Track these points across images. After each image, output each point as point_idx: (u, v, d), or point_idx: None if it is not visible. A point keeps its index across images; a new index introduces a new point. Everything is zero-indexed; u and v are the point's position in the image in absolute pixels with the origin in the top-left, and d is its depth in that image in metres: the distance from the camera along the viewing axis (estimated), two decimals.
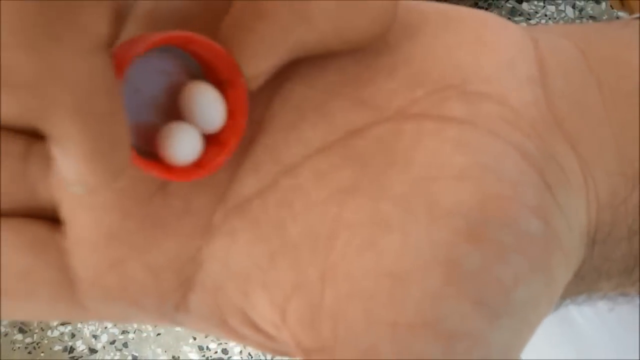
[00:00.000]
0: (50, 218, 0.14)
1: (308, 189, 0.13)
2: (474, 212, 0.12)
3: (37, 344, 1.11)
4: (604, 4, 0.97)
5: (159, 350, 1.08)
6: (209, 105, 0.13)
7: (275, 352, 0.14)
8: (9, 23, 0.10)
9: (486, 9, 1.04)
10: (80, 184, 0.11)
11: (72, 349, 1.10)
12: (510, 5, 1.04)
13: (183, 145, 0.13)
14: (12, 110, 0.11)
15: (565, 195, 0.13)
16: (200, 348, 1.07)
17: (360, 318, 0.12)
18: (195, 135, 0.13)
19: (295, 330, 0.13)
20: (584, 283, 0.15)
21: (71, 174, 0.11)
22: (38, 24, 0.10)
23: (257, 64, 0.13)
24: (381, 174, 0.13)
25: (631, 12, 0.52)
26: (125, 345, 1.09)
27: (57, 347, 1.10)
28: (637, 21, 0.16)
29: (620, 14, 0.91)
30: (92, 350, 1.09)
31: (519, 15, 1.03)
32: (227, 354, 1.07)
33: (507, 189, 0.12)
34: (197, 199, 0.14)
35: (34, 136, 0.14)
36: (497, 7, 1.04)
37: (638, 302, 0.18)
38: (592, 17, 1.02)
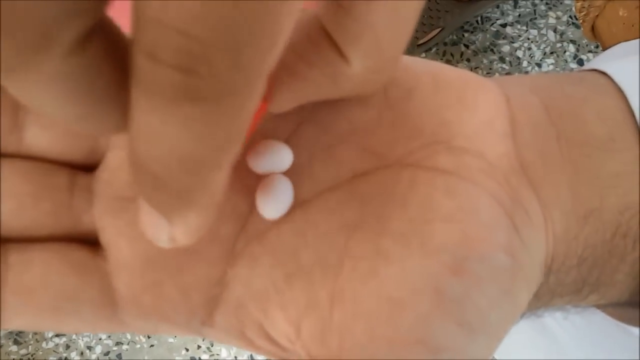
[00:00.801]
0: (91, 242, 0.16)
1: (318, 222, 0.15)
2: (458, 249, 0.14)
3: (32, 356, 1.10)
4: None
5: None
6: None
7: None
8: None
9: (472, 32, 1.07)
10: (171, 243, 0.12)
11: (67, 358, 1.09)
12: (495, 29, 1.06)
13: None
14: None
15: (529, 234, 0.15)
16: (193, 359, 1.08)
17: (364, 334, 0.14)
18: None
19: (308, 344, 0.15)
20: (540, 301, 0.17)
21: (161, 235, 0.11)
22: None
23: (282, 104, 0.14)
24: (382, 213, 0.15)
25: (602, 43, 0.55)
26: (119, 356, 1.09)
27: (52, 359, 1.10)
28: (592, 75, 0.18)
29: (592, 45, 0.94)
30: None
31: (503, 38, 1.06)
32: None
33: (484, 231, 0.14)
34: (223, 228, 0.16)
35: (76, 169, 0.16)
36: (483, 31, 1.07)
37: (591, 312, 0.21)
38: (572, 41, 1.04)
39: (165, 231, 0.11)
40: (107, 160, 0.16)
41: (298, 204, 0.16)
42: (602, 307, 0.21)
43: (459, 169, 0.15)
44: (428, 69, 0.17)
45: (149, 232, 0.12)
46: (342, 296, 0.14)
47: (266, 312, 0.15)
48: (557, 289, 0.17)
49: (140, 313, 0.15)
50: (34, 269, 0.15)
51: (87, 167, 0.16)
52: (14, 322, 0.15)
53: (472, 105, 0.16)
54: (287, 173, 0.16)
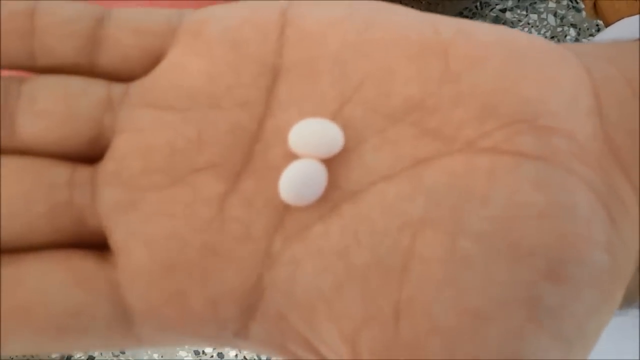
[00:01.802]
0: (98, 246, 0.14)
1: (374, 218, 0.13)
2: (553, 252, 0.12)
3: (33, 355, 1.10)
4: (584, 12, 0.99)
5: (155, 355, 1.08)
6: None
7: None
8: None
9: (471, 17, 1.06)
10: None
11: (69, 356, 1.09)
12: (494, 15, 1.06)
13: None
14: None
15: (626, 227, 0.13)
16: (197, 353, 1.07)
17: (441, 353, 0.12)
18: None
19: None
20: (628, 300, 0.15)
21: None
22: None
23: None
24: (456, 209, 0.13)
25: (605, 21, 0.54)
26: (122, 351, 1.09)
27: (55, 356, 1.10)
28: None
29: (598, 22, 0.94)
30: (90, 357, 1.08)
31: (503, 23, 1.05)
32: (222, 357, 1.07)
33: (582, 227, 0.12)
34: (256, 224, 0.13)
35: (77, 160, 0.14)
36: (482, 17, 1.06)
37: None
38: (572, 25, 1.04)
39: None
40: (113, 147, 0.14)
41: (347, 196, 0.13)
42: None
43: (547, 153, 0.13)
44: (497, 35, 0.14)
45: None
46: (411, 308, 0.12)
47: (313, 324, 0.13)
48: None
49: (160, 327, 0.13)
50: (29, 283, 0.13)
51: (90, 159, 0.14)
52: (13, 347, 0.13)
53: (553, 78, 0.14)
54: (332, 159, 0.14)
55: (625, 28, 0.30)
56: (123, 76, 0.15)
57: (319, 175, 0.13)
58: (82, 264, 0.13)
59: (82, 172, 0.14)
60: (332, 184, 0.13)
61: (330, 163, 0.14)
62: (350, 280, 0.13)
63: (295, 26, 0.15)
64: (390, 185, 0.13)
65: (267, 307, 0.13)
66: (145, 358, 1.08)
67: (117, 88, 0.14)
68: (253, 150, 0.14)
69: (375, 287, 0.13)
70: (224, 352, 1.07)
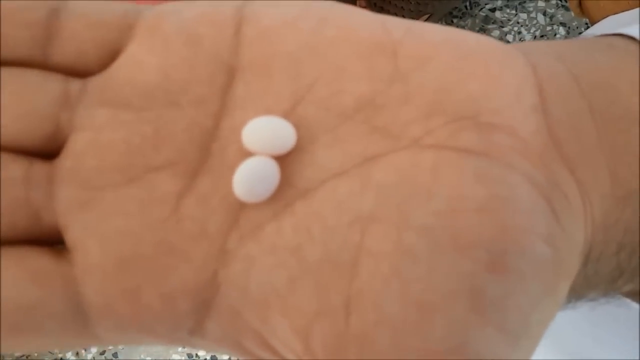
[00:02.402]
0: (53, 242, 0.14)
1: (325, 215, 0.13)
2: (495, 244, 0.12)
3: (27, 356, 1.07)
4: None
5: (148, 358, 1.07)
6: None
7: None
8: None
9: (460, 17, 1.07)
10: None
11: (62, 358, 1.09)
12: (484, 14, 1.06)
13: None
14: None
15: (569, 220, 0.14)
16: (190, 356, 1.06)
17: (388, 345, 0.12)
18: None
19: (319, 356, 0.13)
20: (575, 293, 0.15)
21: None
22: None
23: None
24: (402, 204, 0.13)
25: (590, 19, 0.54)
26: (115, 355, 1.08)
27: (47, 359, 1.09)
28: (621, 41, 0.17)
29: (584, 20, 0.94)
30: None
31: (492, 23, 1.05)
32: None
33: (523, 219, 0.13)
34: (212, 222, 0.14)
35: (33, 156, 0.14)
36: (472, 16, 1.06)
37: (618, 302, 0.20)
38: (562, 24, 1.04)
39: None
40: (70, 143, 0.14)
41: (300, 194, 0.14)
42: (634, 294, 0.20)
43: (489, 149, 0.13)
44: (444, 35, 0.15)
45: None
46: (361, 301, 0.13)
47: (266, 320, 0.13)
48: (593, 280, 0.15)
49: (115, 325, 0.13)
50: None
51: (47, 155, 0.14)
52: None
53: (498, 76, 0.14)
54: (286, 157, 0.14)
55: (609, 26, 0.30)
56: (79, 71, 0.14)
57: (271, 172, 0.13)
58: (38, 260, 0.13)
59: (39, 169, 0.14)
60: (286, 182, 0.14)
61: (284, 161, 0.14)
62: (304, 276, 0.13)
63: (252, 24, 0.15)
64: (341, 182, 0.13)
65: (222, 303, 0.13)
66: (137, 359, 1.08)
67: (74, 84, 0.14)
68: (210, 149, 0.14)
69: (327, 282, 0.13)
70: (217, 355, 1.07)
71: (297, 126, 0.14)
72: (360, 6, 0.90)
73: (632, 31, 0.16)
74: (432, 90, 0.14)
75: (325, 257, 0.13)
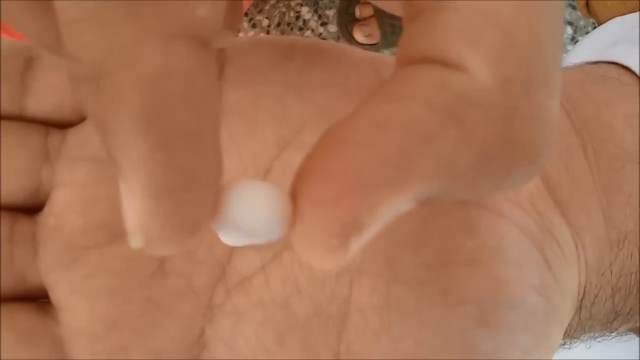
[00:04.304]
0: (39, 297, 0.14)
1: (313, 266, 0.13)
2: (485, 297, 0.12)
3: None
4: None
5: None
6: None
7: None
8: None
9: None
10: (140, 232, 0.08)
11: None
12: None
13: None
14: (77, 98, 0.11)
15: (560, 267, 0.13)
16: None
17: None
18: None
19: None
20: (567, 336, 0.15)
21: (131, 215, 0.08)
22: None
23: None
24: (391, 255, 0.13)
25: (597, 19, 0.53)
26: None
27: None
28: (615, 71, 0.16)
29: (591, 20, 0.93)
30: None
31: None
32: None
33: (514, 271, 0.13)
34: (198, 277, 0.13)
35: (17, 212, 0.14)
36: None
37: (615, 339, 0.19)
38: (569, 23, 1.03)
39: (134, 210, 0.08)
40: (52, 201, 0.14)
41: (287, 245, 0.13)
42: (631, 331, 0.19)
43: (480, 199, 0.13)
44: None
45: (125, 215, 0.08)
46: (350, 356, 0.12)
47: None
48: (587, 323, 0.15)
49: None
50: None
51: (29, 210, 0.14)
52: None
53: None
54: None
55: (615, 26, 0.29)
56: (57, 122, 0.14)
57: (273, 199, 0.12)
58: (26, 320, 0.13)
59: (23, 226, 0.13)
60: None
61: None
62: (292, 332, 0.13)
63: (236, 65, 0.14)
64: None
65: (210, 359, 0.13)
66: None
67: (54, 137, 0.14)
68: None
69: (316, 337, 0.13)
70: None
71: (284, 173, 0.13)
72: (364, 2, 0.88)
73: (625, 59, 0.16)
74: None
75: (314, 312, 0.13)
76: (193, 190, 0.08)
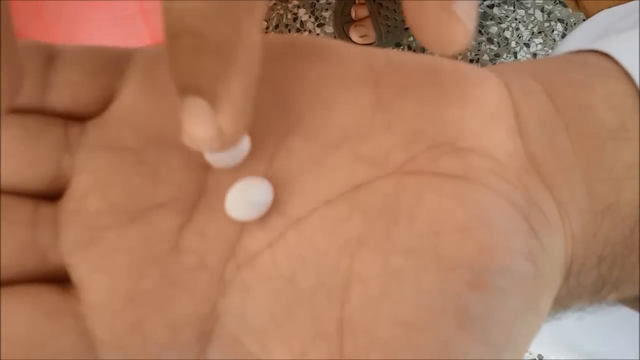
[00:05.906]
0: (60, 280, 0.14)
1: (316, 241, 0.14)
2: (476, 262, 0.13)
3: None
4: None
5: None
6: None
7: None
8: None
9: None
10: (215, 137, 0.12)
11: None
12: (482, 10, 1.06)
13: None
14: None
15: (548, 237, 0.14)
16: None
17: None
18: None
19: None
20: (559, 306, 0.16)
21: (205, 126, 0.12)
22: None
23: None
24: (388, 228, 0.14)
25: (586, 13, 0.55)
26: None
27: None
28: (594, 57, 0.17)
29: (579, 14, 0.94)
30: None
31: (490, 19, 1.05)
32: None
33: (502, 239, 0.13)
34: (210, 254, 0.14)
35: (39, 198, 0.14)
36: None
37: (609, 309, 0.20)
38: (560, 20, 1.04)
39: (212, 123, 0.11)
40: (72, 187, 0.14)
41: (292, 223, 0.14)
42: (621, 301, 0.20)
43: (468, 172, 0.14)
44: (421, 62, 0.15)
45: (195, 131, 0.12)
46: (352, 324, 0.13)
47: (266, 347, 0.14)
48: (576, 291, 0.16)
49: (124, 356, 0.14)
50: None
51: (50, 196, 0.14)
52: None
53: (474, 100, 0.15)
54: (276, 187, 0.14)
55: (604, 18, 0.30)
56: (76, 115, 0.15)
57: (264, 191, 0.14)
58: (48, 298, 0.14)
59: (44, 211, 0.14)
60: (279, 212, 0.14)
61: (276, 192, 0.14)
62: (299, 303, 0.14)
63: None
64: (330, 209, 0.14)
65: (223, 331, 0.14)
66: None
67: (73, 128, 0.15)
68: (205, 184, 0.15)
69: (321, 307, 0.13)
70: None
71: (288, 157, 0.15)
72: (360, 4, 0.89)
73: (605, 47, 0.17)
74: (412, 117, 0.14)
75: (319, 283, 0.14)
76: (248, 89, 0.12)
